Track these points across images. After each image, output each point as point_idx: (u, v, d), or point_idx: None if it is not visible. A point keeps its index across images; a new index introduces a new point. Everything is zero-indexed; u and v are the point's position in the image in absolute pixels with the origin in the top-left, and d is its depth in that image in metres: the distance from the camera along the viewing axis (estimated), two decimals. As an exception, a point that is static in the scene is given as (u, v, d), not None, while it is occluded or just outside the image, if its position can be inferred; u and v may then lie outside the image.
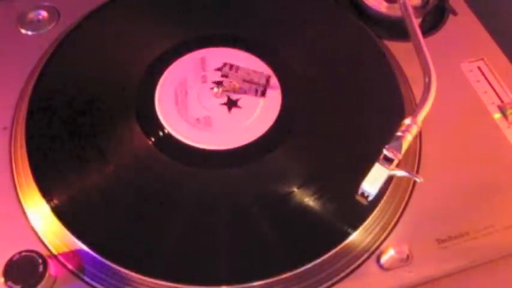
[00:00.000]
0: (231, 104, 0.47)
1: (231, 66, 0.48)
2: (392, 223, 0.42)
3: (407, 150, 0.40)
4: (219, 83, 0.48)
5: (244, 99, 0.47)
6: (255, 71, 0.47)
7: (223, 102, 0.47)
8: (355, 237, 0.40)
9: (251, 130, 0.45)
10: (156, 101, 0.47)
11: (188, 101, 0.47)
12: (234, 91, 0.47)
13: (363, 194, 0.40)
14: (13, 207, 0.42)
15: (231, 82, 0.47)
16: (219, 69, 0.49)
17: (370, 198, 0.40)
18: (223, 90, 0.47)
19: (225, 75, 0.48)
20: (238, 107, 0.47)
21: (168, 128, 0.45)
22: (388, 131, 0.40)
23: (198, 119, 0.46)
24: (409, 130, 0.39)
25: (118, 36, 0.51)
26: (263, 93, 0.46)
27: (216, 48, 0.51)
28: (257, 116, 0.46)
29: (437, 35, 0.54)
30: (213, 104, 0.47)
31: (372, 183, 0.38)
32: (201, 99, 0.47)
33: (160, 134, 0.45)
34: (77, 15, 0.53)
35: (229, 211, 0.41)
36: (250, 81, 0.46)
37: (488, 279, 0.41)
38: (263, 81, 0.47)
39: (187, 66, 0.49)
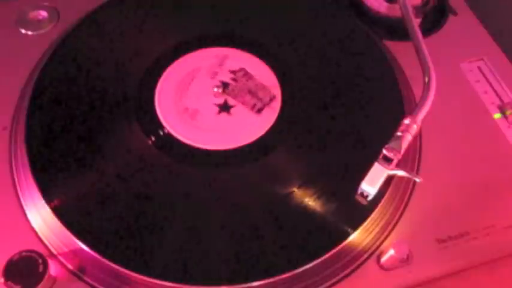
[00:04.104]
0: (224, 108, 0.47)
1: (246, 73, 0.48)
2: (393, 223, 0.42)
3: (407, 150, 0.40)
4: (224, 84, 0.48)
5: (239, 109, 0.47)
6: (264, 86, 0.47)
7: (218, 103, 0.47)
8: (355, 237, 0.40)
9: (251, 130, 0.45)
10: (156, 100, 0.47)
11: (189, 89, 0.48)
12: (234, 97, 0.47)
13: (362, 194, 0.40)
14: (13, 207, 0.42)
15: (235, 88, 0.47)
16: (232, 72, 0.49)
17: (369, 198, 0.40)
18: (223, 92, 0.47)
19: (234, 79, 0.48)
20: (229, 113, 0.47)
21: (169, 128, 0.45)
22: (388, 131, 0.40)
23: (186, 109, 0.46)
24: (409, 130, 0.39)
25: (118, 36, 0.51)
26: (259, 111, 0.46)
27: (239, 51, 0.51)
28: (241, 129, 0.46)
29: (437, 35, 0.54)
30: (208, 101, 0.47)
31: (371, 183, 0.38)
32: (200, 92, 0.48)
33: (161, 133, 0.45)
34: (76, 15, 0.52)
35: (229, 211, 0.41)
36: (254, 95, 0.46)
37: (488, 279, 0.41)
38: (266, 99, 0.46)
39: (207, 58, 0.50)
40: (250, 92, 0.46)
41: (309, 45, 0.51)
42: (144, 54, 0.50)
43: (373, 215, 0.41)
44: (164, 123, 0.45)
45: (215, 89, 0.47)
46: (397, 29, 0.52)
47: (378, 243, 0.41)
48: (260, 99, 0.46)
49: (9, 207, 0.42)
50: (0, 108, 0.47)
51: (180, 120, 0.46)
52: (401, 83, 0.49)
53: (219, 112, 0.47)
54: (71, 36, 0.50)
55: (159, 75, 0.48)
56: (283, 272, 0.38)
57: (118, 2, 0.53)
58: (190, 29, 0.52)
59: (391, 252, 0.39)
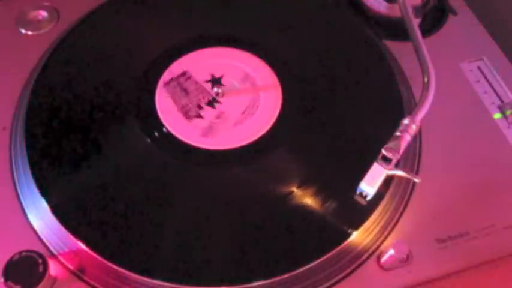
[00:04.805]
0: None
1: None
2: (393, 223, 0.42)
3: (407, 150, 0.40)
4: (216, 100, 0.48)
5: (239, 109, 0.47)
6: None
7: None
8: (355, 237, 0.40)
9: (251, 130, 0.45)
10: (156, 100, 0.47)
11: (189, 89, 0.48)
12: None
13: (361, 194, 0.40)
14: (13, 207, 0.42)
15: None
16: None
17: (368, 198, 0.40)
18: (216, 94, 0.48)
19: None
20: (228, 113, 0.47)
21: (169, 128, 0.45)
22: (387, 131, 0.40)
23: (186, 108, 0.47)
24: (408, 130, 0.39)
25: (118, 36, 0.51)
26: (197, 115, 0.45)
27: (239, 50, 0.51)
28: (241, 129, 0.46)
29: (437, 35, 0.54)
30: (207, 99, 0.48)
31: (370, 183, 0.38)
32: (200, 92, 0.48)
33: (161, 133, 0.45)
34: (76, 15, 0.53)
35: (229, 211, 0.41)
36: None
37: (488, 279, 0.41)
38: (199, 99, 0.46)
39: (207, 58, 0.50)
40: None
41: (309, 45, 0.51)
42: (144, 54, 0.50)
43: (373, 215, 0.41)
44: (164, 123, 0.45)
45: (215, 89, 0.47)
46: (397, 29, 0.52)
47: (378, 243, 0.41)
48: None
49: (9, 207, 0.42)
50: (0, 108, 0.47)
51: (180, 119, 0.46)
52: (401, 83, 0.49)
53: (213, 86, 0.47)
54: (71, 36, 0.50)
55: (159, 75, 0.48)
56: (284, 272, 0.38)
57: (118, 2, 0.53)
58: (190, 29, 0.52)
59: (391, 252, 0.39)
